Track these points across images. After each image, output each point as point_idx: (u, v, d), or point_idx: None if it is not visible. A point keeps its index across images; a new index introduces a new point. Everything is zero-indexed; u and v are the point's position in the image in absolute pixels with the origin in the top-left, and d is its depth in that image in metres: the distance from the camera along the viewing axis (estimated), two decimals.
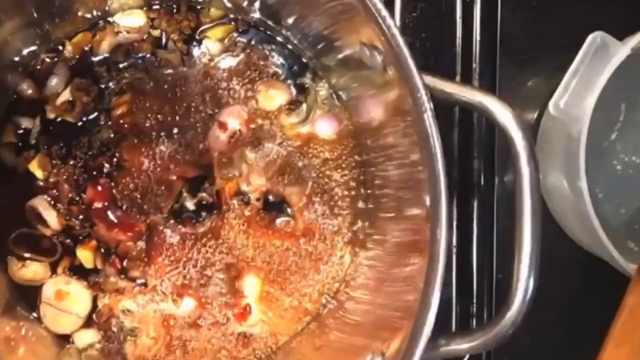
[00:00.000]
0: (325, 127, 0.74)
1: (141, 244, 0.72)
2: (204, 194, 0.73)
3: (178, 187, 0.73)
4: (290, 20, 0.71)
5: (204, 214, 0.73)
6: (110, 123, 0.73)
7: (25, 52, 0.71)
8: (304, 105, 0.74)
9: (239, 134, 0.73)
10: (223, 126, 0.73)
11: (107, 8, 0.73)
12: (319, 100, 0.75)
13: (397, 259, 0.65)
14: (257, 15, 0.73)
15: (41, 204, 0.72)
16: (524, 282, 0.52)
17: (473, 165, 0.75)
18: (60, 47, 0.73)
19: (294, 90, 0.74)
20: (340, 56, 0.69)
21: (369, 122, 0.70)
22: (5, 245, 0.71)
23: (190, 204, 0.73)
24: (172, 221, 0.72)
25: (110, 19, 0.74)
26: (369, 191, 0.74)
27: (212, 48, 0.74)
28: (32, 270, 0.71)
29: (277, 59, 0.75)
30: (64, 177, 0.72)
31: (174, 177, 0.73)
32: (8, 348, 0.67)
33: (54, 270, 0.72)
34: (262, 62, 0.75)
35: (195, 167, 0.73)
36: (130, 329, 0.72)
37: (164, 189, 0.73)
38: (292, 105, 0.74)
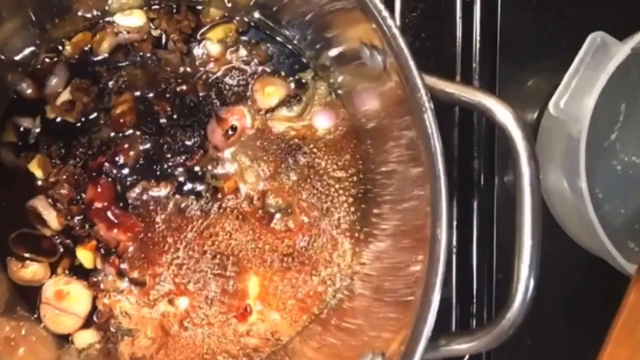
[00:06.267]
0: (322, 121, 0.74)
1: (140, 245, 0.73)
2: (203, 192, 0.73)
3: (176, 181, 0.73)
4: (290, 20, 0.71)
5: (204, 209, 0.73)
6: (110, 122, 0.73)
7: (25, 52, 0.71)
8: (302, 101, 0.74)
9: (237, 130, 0.73)
10: (221, 122, 0.73)
11: (107, 8, 0.73)
12: (317, 96, 0.75)
13: (397, 258, 0.65)
14: (257, 15, 0.73)
15: (41, 204, 0.72)
16: (524, 282, 0.52)
17: (473, 165, 0.75)
18: (60, 47, 0.73)
19: (292, 86, 0.75)
20: (340, 56, 0.69)
21: (368, 119, 0.70)
22: (5, 245, 0.71)
23: (188, 199, 0.73)
24: (175, 196, 0.73)
25: (110, 19, 0.74)
26: (369, 191, 0.74)
27: (212, 49, 0.74)
28: (31, 270, 0.71)
29: (277, 58, 0.75)
30: (64, 177, 0.72)
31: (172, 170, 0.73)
32: (8, 348, 0.67)
33: (53, 271, 0.72)
34: (261, 61, 0.75)
35: (192, 161, 0.73)
36: (128, 329, 0.72)
37: (162, 181, 0.73)
38: (290, 101, 0.74)
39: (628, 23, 0.65)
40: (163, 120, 0.73)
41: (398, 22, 0.73)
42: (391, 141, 0.65)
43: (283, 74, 0.75)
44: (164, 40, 0.74)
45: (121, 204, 0.72)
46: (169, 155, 0.73)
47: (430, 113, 0.52)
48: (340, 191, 0.74)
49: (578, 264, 0.74)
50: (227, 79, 0.74)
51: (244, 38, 0.75)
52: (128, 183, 0.73)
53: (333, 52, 0.70)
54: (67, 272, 0.72)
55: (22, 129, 0.73)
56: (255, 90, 0.74)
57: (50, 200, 0.72)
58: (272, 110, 0.74)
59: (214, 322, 0.73)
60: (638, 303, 0.60)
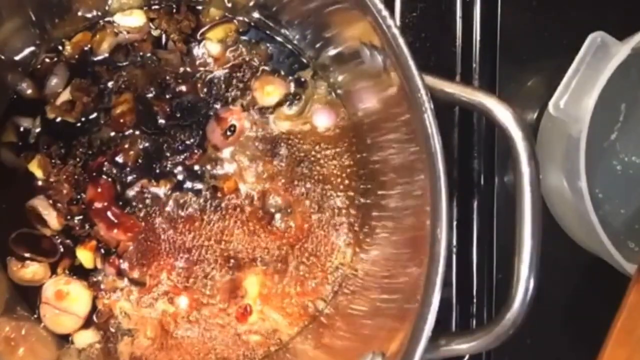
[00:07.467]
0: (322, 120, 0.74)
1: (140, 244, 0.73)
2: (202, 191, 0.73)
3: (175, 179, 0.73)
4: (289, 20, 0.72)
5: (204, 209, 0.73)
6: (110, 122, 0.73)
7: (25, 52, 0.71)
8: (302, 100, 0.74)
9: (236, 129, 0.73)
10: (220, 121, 0.73)
11: (107, 8, 0.73)
12: (317, 95, 0.75)
13: (397, 258, 0.65)
14: (257, 15, 0.73)
15: (41, 204, 0.72)
16: (524, 282, 0.52)
17: (473, 165, 0.75)
18: (60, 47, 0.73)
19: (292, 85, 0.75)
20: (339, 55, 0.69)
21: (367, 119, 0.70)
22: (5, 245, 0.71)
23: (188, 197, 0.73)
24: (175, 194, 0.73)
25: (110, 19, 0.74)
26: (369, 190, 0.74)
27: (212, 49, 0.74)
28: (31, 270, 0.71)
29: (277, 58, 0.75)
30: (64, 177, 0.72)
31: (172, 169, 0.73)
32: (8, 348, 0.67)
33: (53, 271, 0.72)
34: (261, 61, 0.75)
35: (191, 160, 0.73)
36: (128, 329, 0.72)
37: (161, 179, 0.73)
38: (290, 100, 0.74)
39: (628, 23, 0.65)
40: (162, 120, 0.73)
41: (398, 22, 0.73)
42: (391, 140, 0.65)
43: (283, 73, 0.75)
44: (164, 40, 0.74)
45: (121, 204, 0.73)
46: (168, 154, 0.73)
47: (430, 113, 0.52)
48: (341, 190, 0.74)
49: (578, 264, 0.74)
50: (226, 79, 0.74)
51: (244, 38, 0.75)
52: (128, 182, 0.73)
53: (333, 51, 0.70)
54: (67, 272, 0.72)
55: (22, 129, 0.73)
56: (254, 90, 0.74)
57: (50, 200, 0.72)
58: (271, 109, 0.74)
59: (213, 322, 0.73)
60: (638, 303, 0.60)
